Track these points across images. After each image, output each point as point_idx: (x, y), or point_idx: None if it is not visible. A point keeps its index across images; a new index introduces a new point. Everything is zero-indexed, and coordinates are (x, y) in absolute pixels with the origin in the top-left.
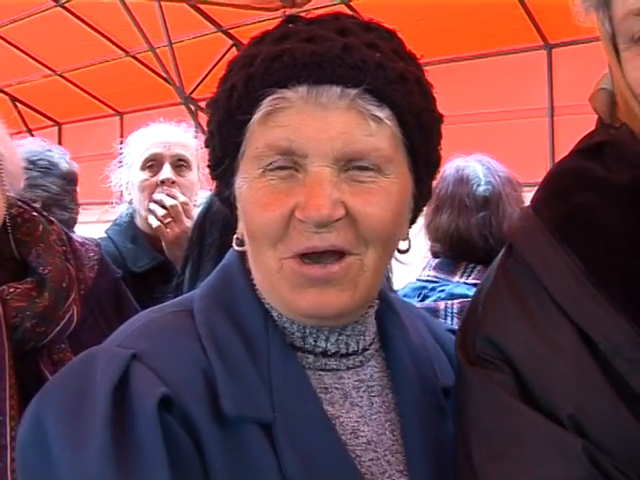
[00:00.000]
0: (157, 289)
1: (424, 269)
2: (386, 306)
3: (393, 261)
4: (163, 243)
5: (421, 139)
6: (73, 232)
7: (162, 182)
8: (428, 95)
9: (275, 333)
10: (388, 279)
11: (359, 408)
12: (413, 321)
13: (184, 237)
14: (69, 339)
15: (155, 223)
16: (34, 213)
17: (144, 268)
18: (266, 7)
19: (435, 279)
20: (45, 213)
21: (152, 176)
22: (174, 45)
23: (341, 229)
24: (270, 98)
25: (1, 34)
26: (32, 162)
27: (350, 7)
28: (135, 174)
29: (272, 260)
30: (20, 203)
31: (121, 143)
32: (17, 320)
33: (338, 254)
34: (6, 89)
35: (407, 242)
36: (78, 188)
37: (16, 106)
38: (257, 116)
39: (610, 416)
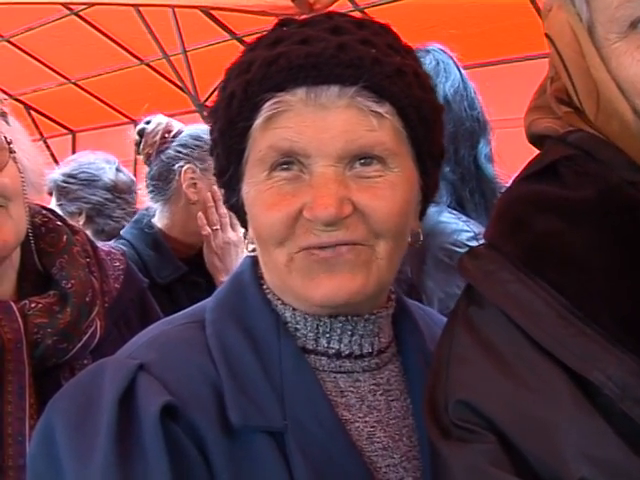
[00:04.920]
0: (180, 301)
1: None
2: (402, 312)
3: None
4: (205, 250)
5: (423, 131)
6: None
7: None
8: (426, 87)
9: (287, 339)
10: None
11: (377, 412)
12: (432, 328)
13: (226, 248)
14: (92, 353)
15: (206, 230)
16: (58, 222)
17: (168, 279)
18: (282, 13)
19: None
20: (71, 222)
21: None
22: (188, 53)
23: (350, 225)
24: (269, 103)
25: (16, 42)
26: (73, 176)
27: (364, 14)
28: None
29: (281, 256)
30: (44, 212)
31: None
32: (38, 337)
33: (348, 245)
34: (20, 97)
35: (419, 234)
36: (130, 197)
37: (30, 114)
38: (258, 122)
39: (628, 475)
